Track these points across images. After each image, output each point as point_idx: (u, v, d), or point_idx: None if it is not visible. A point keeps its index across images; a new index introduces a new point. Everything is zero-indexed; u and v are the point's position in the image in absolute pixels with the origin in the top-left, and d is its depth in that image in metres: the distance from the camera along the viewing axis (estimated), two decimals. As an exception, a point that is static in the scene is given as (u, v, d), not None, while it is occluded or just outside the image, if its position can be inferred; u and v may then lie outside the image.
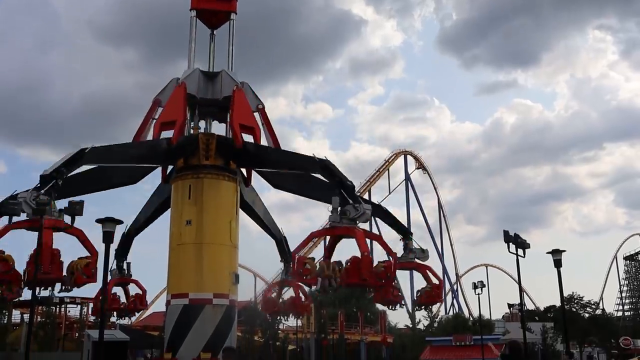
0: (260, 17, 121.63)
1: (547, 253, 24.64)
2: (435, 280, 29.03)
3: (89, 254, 21.23)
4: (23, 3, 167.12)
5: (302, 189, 29.46)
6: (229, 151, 25.86)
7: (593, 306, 73.50)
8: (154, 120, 26.20)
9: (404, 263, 27.80)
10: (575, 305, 68.68)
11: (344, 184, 22.83)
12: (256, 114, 26.62)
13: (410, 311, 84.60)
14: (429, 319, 67.57)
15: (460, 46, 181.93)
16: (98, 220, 18.88)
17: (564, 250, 24.43)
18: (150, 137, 25.78)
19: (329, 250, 23.45)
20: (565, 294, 37.43)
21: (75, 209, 18.96)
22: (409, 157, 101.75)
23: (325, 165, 23.66)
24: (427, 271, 28.84)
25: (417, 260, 28.36)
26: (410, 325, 67.19)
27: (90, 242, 21.62)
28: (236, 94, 25.92)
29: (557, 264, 24.25)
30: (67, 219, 19.64)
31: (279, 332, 65.12)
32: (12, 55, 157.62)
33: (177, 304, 24.30)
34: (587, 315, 69.73)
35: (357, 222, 22.23)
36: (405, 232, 29.08)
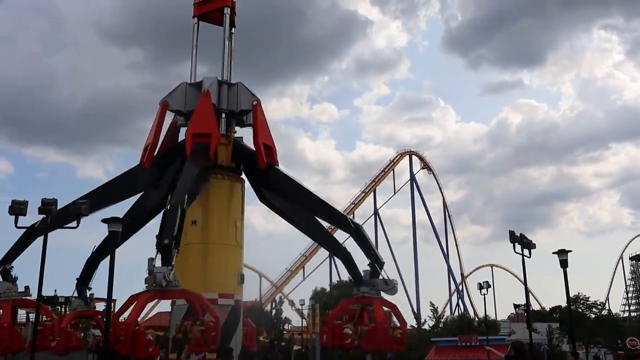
0: (266, 18, 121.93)
1: (553, 253, 24.53)
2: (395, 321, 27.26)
3: None
4: (30, 5, 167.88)
5: (300, 224, 28.69)
6: (244, 156, 26.12)
7: (599, 307, 73.15)
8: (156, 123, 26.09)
9: (361, 298, 25.30)
10: (581, 305, 68.36)
11: (378, 259, 25.08)
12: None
13: (415, 311, 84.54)
14: (434, 319, 67.37)
15: (466, 46, 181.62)
16: (104, 220, 18.88)
17: (570, 251, 24.33)
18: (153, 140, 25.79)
19: (360, 317, 25.41)
20: (571, 295, 37.22)
21: (81, 209, 18.97)
22: (414, 157, 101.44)
23: (359, 231, 25.92)
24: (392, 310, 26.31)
25: (382, 294, 25.27)
26: (415, 326, 66.97)
27: None
28: (258, 110, 26.05)
29: (563, 264, 24.14)
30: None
31: (284, 332, 65.10)
32: (19, 57, 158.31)
33: (182, 304, 24.31)
34: (593, 315, 69.44)
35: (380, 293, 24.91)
36: (378, 263, 25.65)
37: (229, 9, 27.88)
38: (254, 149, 25.79)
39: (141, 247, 27.97)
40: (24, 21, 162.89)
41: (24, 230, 21.45)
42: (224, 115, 26.38)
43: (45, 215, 18.55)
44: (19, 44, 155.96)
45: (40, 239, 19.37)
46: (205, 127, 24.76)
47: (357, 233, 25.88)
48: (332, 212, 26.66)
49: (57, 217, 19.02)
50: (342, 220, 27.27)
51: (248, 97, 26.36)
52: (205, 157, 24.33)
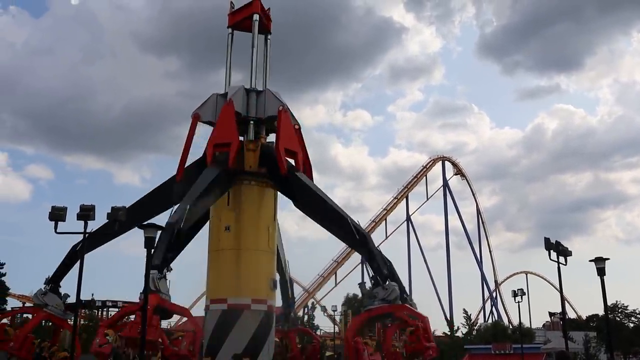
0: (301, 25, 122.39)
1: (590, 261, 24.10)
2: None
3: None
4: (70, 17, 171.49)
5: (328, 226, 27.63)
6: (271, 161, 26.12)
7: (638, 315, 71.45)
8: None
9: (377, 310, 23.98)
10: (619, 314, 66.97)
11: (381, 272, 23.74)
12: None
13: (448, 318, 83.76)
14: (467, 327, 66.63)
15: (501, 52, 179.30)
16: (140, 226, 19.19)
17: (607, 259, 23.85)
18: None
19: (385, 336, 24.23)
20: (609, 303, 36.59)
21: (89, 215, 19.29)
22: (447, 163, 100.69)
23: (364, 242, 24.67)
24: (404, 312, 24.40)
25: (388, 302, 23.78)
26: (449, 333, 66.29)
27: None
28: (282, 115, 26.03)
29: (600, 272, 23.69)
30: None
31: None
32: (60, 67, 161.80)
33: (215, 309, 24.60)
34: (631, 324, 67.97)
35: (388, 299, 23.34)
36: (381, 276, 24.38)
37: (257, 16, 28.07)
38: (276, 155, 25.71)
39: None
40: (65, 32, 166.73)
41: (70, 247, 22.01)
42: (252, 122, 26.58)
43: (84, 222, 18.96)
44: (60, 55, 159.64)
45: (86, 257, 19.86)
46: (225, 137, 25.02)
47: (361, 244, 24.98)
48: (340, 223, 25.10)
49: (97, 232, 19.61)
50: (347, 230, 24.93)
51: (275, 104, 26.48)
52: (223, 166, 24.60)
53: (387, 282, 23.40)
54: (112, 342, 20.56)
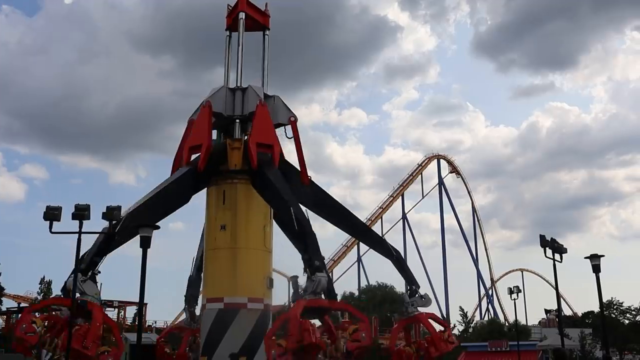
0: (295, 24, 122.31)
1: (585, 258, 24.18)
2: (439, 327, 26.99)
3: None
4: (64, 16, 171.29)
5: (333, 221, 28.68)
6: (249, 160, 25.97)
7: (633, 312, 71.73)
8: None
9: (408, 320, 26.62)
10: (615, 311, 67.24)
11: (312, 264, 22.74)
12: (288, 127, 26.49)
13: (445, 316, 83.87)
14: (463, 324, 66.85)
15: (496, 50, 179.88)
16: (135, 226, 19.20)
17: (602, 255, 23.96)
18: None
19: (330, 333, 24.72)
20: (604, 300, 36.62)
21: (84, 215, 19.24)
22: (442, 161, 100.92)
23: (399, 260, 27.38)
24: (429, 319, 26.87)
25: (419, 309, 26.45)
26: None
27: None
28: (259, 109, 25.65)
29: (596, 269, 23.78)
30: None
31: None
32: (54, 66, 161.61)
33: (212, 308, 24.54)
34: (627, 321, 68.22)
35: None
36: (412, 285, 27.18)
37: (243, 14, 27.98)
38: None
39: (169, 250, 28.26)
40: (59, 31, 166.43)
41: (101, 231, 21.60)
42: (237, 120, 26.45)
43: (79, 222, 18.93)
44: (54, 54, 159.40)
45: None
46: (198, 139, 25.02)
47: (398, 261, 27.42)
48: (302, 232, 23.98)
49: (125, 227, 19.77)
50: (376, 239, 29.23)
51: (254, 99, 26.23)
52: (193, 168, 24.66)
53: (315, 274, 22.48)
54: (39, 332, 20.18)
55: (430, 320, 26.55)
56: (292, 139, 26.16)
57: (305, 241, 23.43)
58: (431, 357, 25.03)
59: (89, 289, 22.85)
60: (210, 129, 25.48)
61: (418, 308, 26.27)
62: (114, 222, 19.85)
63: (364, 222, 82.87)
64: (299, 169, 26.22)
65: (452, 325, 65.94)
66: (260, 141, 25.01)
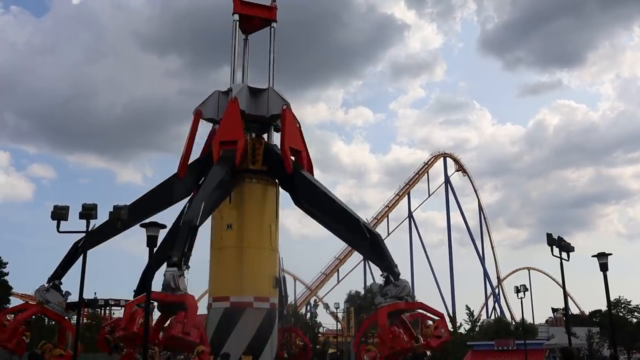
0: (302, 23, 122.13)
1: (593, 256, 24.04)
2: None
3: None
4: (71, 16, 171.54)
5: (330, 225, 27.70)
6: (275, 160, 26.16)
7: (641, 311, 71.38)
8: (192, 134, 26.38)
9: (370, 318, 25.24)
10: (622, 310, 66.85)
11: (392, 270, 23.92)
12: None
13: (451, 315, 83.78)
14: (470, 323, 66.67)
15: (502, 48, 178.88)
16: (142, 225, 19.19)
17: (610, 254, 23.83)
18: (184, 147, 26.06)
19: (407, 330, 23.74)
20: (612, 298, 36.43)
21: (91, 214, 19.22)
22: (448, 159, 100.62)
23: (376, 241, 24.89)
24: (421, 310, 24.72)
25: (406, 299, 23.89)
26: (451, 329, 66.37)
27: None
28: (287, 114, 26.10)
29: (603, 267, 23.65)
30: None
31: (320, 335, 65.18)
32: (62, 66, 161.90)
33: (218, 307, 24.62)
34: (634, 320, 67.87)
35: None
36: (392, 274, 24.57)
37: (237, 16, 28.21)
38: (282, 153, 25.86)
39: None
40: (66, 32, 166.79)
41: (72, 244, 22.01)
42: (256, 120, 26.59)
43: (86, 221, 18.94)
44: (61, 54, 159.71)
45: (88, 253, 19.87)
46: (232, 135, 25.01)
47: (373, 243, 24.84)
48: (350, 223, 25.11)
49: (99, 229, 19.69)
50: (358, 230, 25.05)
51: (278, 102, 26.50)
52: (231, 164, 24.57)
53: (399, 279, 23.47)
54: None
55: (420, 311, 24.15)
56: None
57: (381, 247, 24.55)
58: (418, 354, 23.49)
59: (52, 297, 23.72)
60: (243, 125, 25.63)
61: (395, 298, 23.46)
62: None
63: (370, 221, 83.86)
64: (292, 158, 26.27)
65: (458, 324, 65.79)
66: (292, 146, 25.58)
